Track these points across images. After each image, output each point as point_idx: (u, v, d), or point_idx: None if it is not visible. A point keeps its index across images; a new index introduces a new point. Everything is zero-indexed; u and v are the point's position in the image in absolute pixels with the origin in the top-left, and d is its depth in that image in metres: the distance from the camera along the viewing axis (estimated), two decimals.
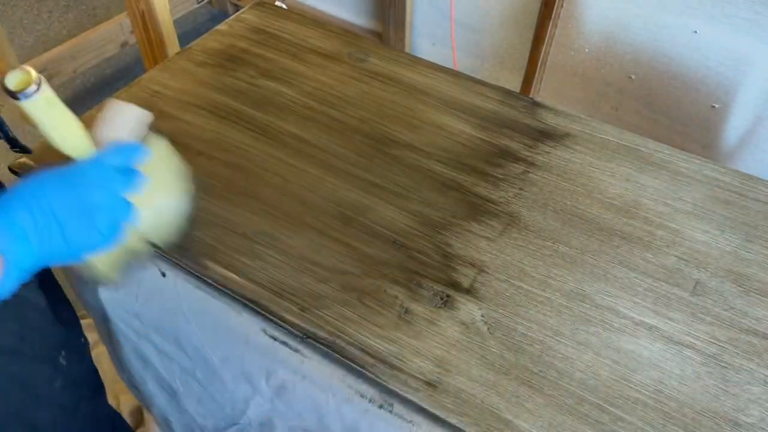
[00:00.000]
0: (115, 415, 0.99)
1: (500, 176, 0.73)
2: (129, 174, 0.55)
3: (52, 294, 0.81)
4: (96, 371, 0.89)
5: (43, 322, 0.77)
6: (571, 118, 0.81)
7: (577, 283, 0.63)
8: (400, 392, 0.55)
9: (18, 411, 0.69)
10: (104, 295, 0.69)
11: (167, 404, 0.84)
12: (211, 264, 0.64)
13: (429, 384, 0.55)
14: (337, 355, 0.57)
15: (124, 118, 0.60)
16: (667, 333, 0.59)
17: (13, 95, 0.51)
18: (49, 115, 0.54)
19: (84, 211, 0.52)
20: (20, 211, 0.49)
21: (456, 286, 0.62)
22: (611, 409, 0.54)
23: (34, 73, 0.51)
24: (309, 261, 0.64)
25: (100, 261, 0.58)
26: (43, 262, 0.51)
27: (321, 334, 0.58)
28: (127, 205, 0.55)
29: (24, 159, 0.73)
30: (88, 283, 0.70)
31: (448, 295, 0.61)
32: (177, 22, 1.50)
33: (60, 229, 0.50)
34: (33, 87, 0.51)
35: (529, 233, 0.67)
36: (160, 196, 0.62)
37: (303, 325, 0.59)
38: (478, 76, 0.88)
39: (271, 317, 0.60)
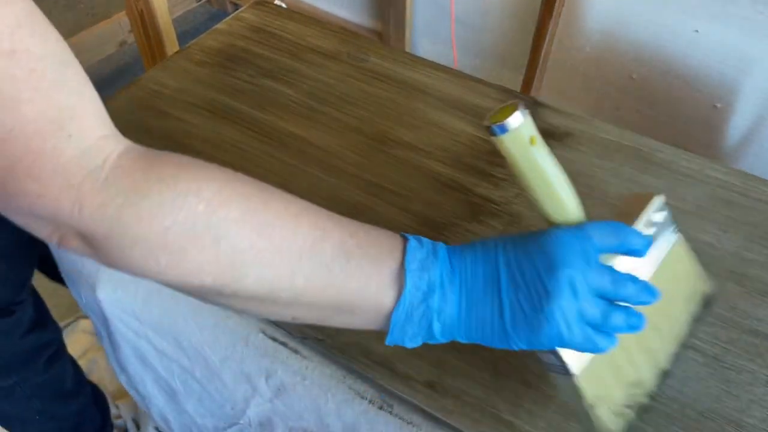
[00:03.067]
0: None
1: (501, 176, 0.73)
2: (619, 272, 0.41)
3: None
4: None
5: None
6: (572, 118, 0.81)
7: None
8: (400, 393, 0.54)
9: None
10: (103, 295, 0.69)
11: (166, 404, 0.84)
12: None
13: (429, 385, 0.55)
14: (337, 356, 0.57)
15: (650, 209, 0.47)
16: None
17: (491, 130, 0.42)
18: (531, 158, 0.43)
19: (536, 284, 0.40)
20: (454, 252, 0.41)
21: None
22: None
23: (518, 106, 0.42)
24: None
25: (594, 388, 0.44)
26: (470, 331, 0.41)
27: (320, 334, 0.58)
28: (607, 290, 0.41)
29: None
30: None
31: None
32: (176, 21, 1.50)
33: (495, 290, 0.40)
34: (517, 117, 0.41)
35: None
36: (664, 306, 0.44)
37: (303, 325, 0.59)
38: (479, 75, 0.87)
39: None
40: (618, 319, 0.41)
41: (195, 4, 2.18)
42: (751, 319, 0.60)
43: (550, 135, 0.78)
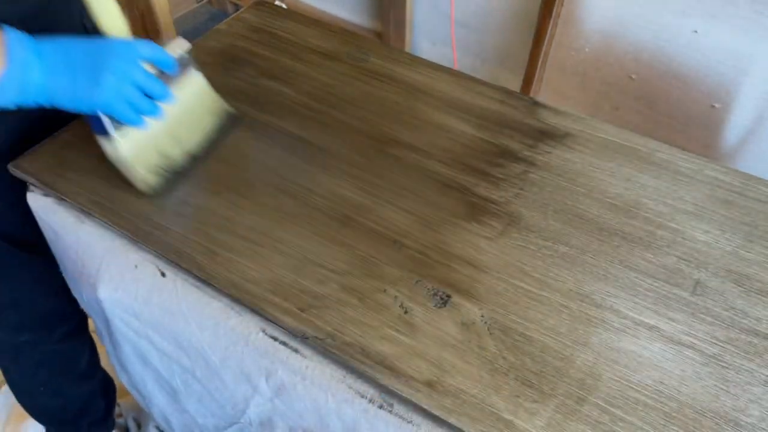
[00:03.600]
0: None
1: (500, 176, 0.73)
2: (156, 64, 0.63)
3: None
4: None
5: None
6: (572, 118, 0.81)
7: (577, 283, 0.63)
8: (400, 392, 0.54)
9: None
10: (103, 295, 0.69)
11: (167, 404, 0.84)
12: (211, 264, 0.63)
13: (429, 384, 0.55)
14: (337, 355, 0.57)
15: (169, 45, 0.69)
16: (667, 333, 0.59)
17: None
18: None
19: (96, 64, 0.59)
20: (37, 40, 0.57)
21: (456, 286, 0.62)
22: (611, 409, 0.54)
23: None
24: (309, 261, 0.64)
25: (131, 151, 0.66)
26: (50, 94, 0.58)
27: (321, 334, 0.58)
28: (142, 83, 0.61)
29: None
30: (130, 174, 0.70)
31: (448, 295, 0.61)
32: (176, 22, 1.50)
33: (69, 68, 0.58)
34: None
35: (529, 233, 0.67)
36: (186, 113, 0.71)
37: (303, 325, 0.59)
38: (478, 76, 0.87)
39: (271, 317, 0.60)
40: (144, 103, 0.63)
41: (195, 5, 2.19)
42: (750, 318, 0.60)
43: (550, 135, 0.79)
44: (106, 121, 0.63)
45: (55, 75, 0.58)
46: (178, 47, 0.69)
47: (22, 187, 0.74)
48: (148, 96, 0.63)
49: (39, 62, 0.57)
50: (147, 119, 0.65)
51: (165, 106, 0.66)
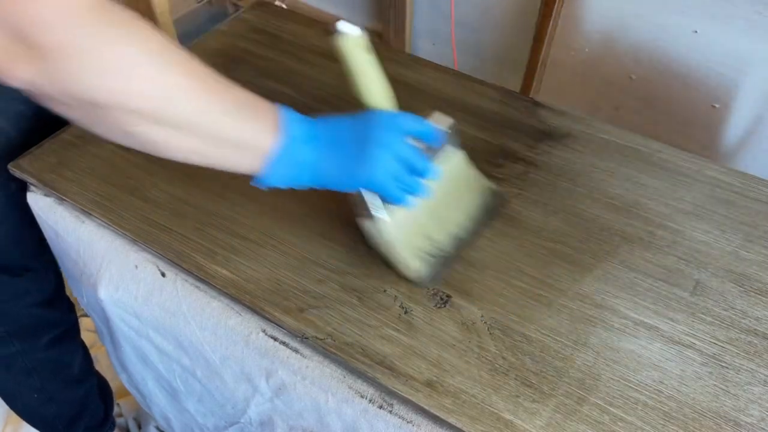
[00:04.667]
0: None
1: (501, 176, 0.73)
2: (421, 139, 0.59)
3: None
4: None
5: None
6: (572, 118, 0.81)
7: (577, 283, 0.63)
8: (400, 392, 0.54)
9: None
10: (104, 295, 0.69)
11: (168, 404, 0.84)
12: (210, 264, 0.64)
13: (428, 384, 0.55)
14: (337, 355, 0.57)
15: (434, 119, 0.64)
16: (667, 333, 0.59)
17: (336, 30, 0.60)
18: (360, 59, 0.60)
19: (362, 139, 0.55)
20: (309, 118, 0.56)
21: (456, 286, 0.62)
22: (611, 409, 0.54)
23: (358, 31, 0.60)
24: (309, 261, 0.64)
25: (396, 234, 0.60)
26: (318, 173, 0.56)
27: (321, 334, 0.58)
28: (409, 158, 0.57)
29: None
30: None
31: (447, 295, 0.61)
32: (177, 22, 1.50)
33: (337, 145, 0.55)
34: (354, 27, 0.60)
35: (529, 233, 0.67)
36: (449, 191, 0.65)
37: (303, 325, 0.59)
38: (479, 76, 0.87)
39: (271, 317, 0.60)
40: (411, 180, 0.58)
41: (196, 5, 2.19)
42: (750, 318, 0.60)
43: (550, 135, 0.79)
44: (370, 201, 0.58)
45: (325, 153, 0.55)
46: (442, 121, 0.63)
47: (5, 210, 0.74)
48: (414, 173, 0.58)
49: (311, 141, 0.55)
50: (412, 198, 0.59)
51: (430, 184, 0.60)
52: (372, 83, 0.61)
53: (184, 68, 0.50)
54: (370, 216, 0.59)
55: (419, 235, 0.63)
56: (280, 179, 0.55)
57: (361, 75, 0.60)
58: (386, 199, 0.58)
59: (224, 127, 0.51)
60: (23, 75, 0.42)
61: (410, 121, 0.58)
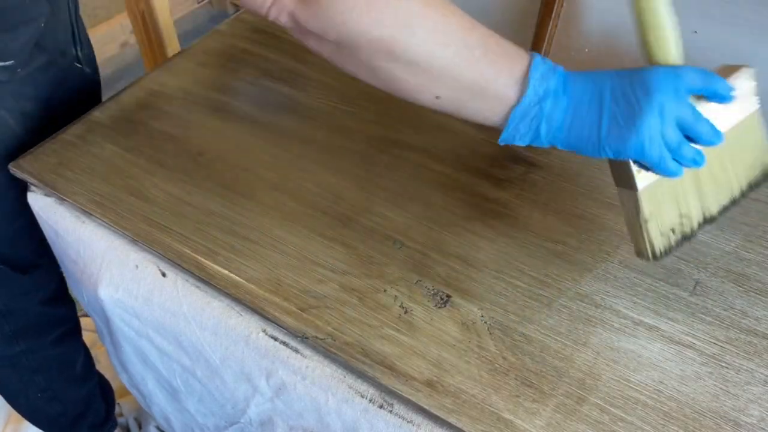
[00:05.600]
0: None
1: (501, 176, 0.73)
2: (709, 98, 0.50)
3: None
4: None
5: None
6: None
7: (577, 282, 0.63)
8: (400, 392, 0.55)
9: None
10: (104, 295, 0.69)
11: (168, 403, 0.84)
12: (211, 264, 0.64)
13: (429, 384, 0.55)
14: (337, 355, 0.57)
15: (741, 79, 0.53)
16: (667, 333, 0.59)
17: None
18: (652, 4, 0.51)
19: (633, 100, 0.48)
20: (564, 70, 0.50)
21: (456, 285, 0.62)
22: (611, 408, 0.54)
23: None
24: (309, 261, 0.64)
25: (652, 208, 0.53)
26: (567, 133, 0.50)
27: (321, 334, 0.58)
28: (688, 124, 0.49)
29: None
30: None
31: (448, 295, 0.61)
32: (177, 23, 1.50)
33: (597, 103, 0.49)
34: None
35: (529, 233, 0.67)
36: (723, 161, 0.54)
37: (303, 325, 0.59)
38: None
39: (271, 317, 0.60)
40: (688, 150, 0.49)
41: (196, 6, 2.19)
42: (749, 318, 0.60)
43: None
44: (634, 171, 0.52)
45: (581, 113, 0.49)
46: (743, 76, 0.53)
47: (16, 206, 0.74)
48: (692, 140, 0.50)
49: (563, 96, 0.49)
50: (684, 170, 0.51)
51: (707, 151, 0.51)
52: (660, 32, 0.51)
53: (429, 4, 0.48)
54: (632, 187, 0.53)
55: (674, 212, 0.55)
56: (522, 137, 0.51)
57: (649, 22, 0.51)
58: (655, 170, 0.51)
59: (465, 68, 0.48)
60: (291, 9, 0.47)
61: (696, 78, 0.49)
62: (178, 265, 0.64)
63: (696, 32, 1.27)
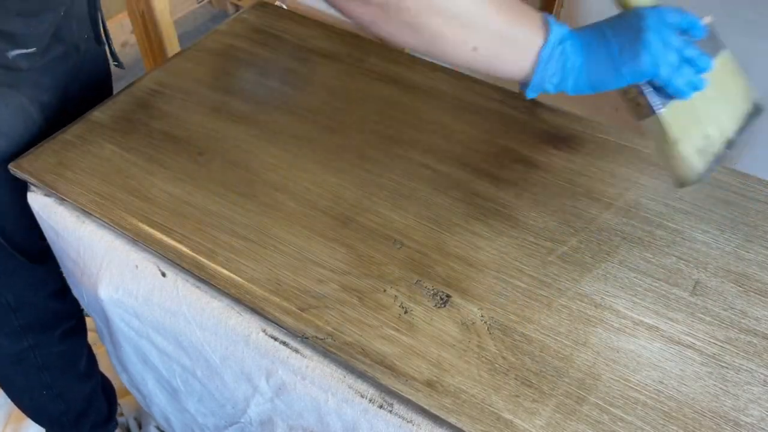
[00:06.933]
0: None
1: (500, 176, 0.73)
2: (688, 31, 0.57)
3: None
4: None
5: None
6: (572, 118, 0.81)
7: (577, 282, 0.63)
8: (400, 392, 0.55)
9: None
10: (104, 295, 0.69)
11: (168, 403, 0.85)
12: (211, 264, 0.64)
13: (428, 384, 0.55)
14: (336, 355, 0.57)
15: None
16: (666, 333, 0.59)
17: None
18: None
19: (632, 34, 0.55)
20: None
21: (456, 285, 0.62)
22: (611, 408, 0.54)
23: None
24: (309, 261, 0.64)
25: (678, 130, 0.58)
26: (588, 70, 0.56)
27: (321, 334, 0.58)
28: (683, 50, 0.55)
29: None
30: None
31: (447, 295, 0.62)
32: (177, 23, 1.51)
33: (604, 42, 0.55)
34: None
35: (528, 233, 0.67)
36: (717, 89, 0.59)
37: (303, 325, 0.59)
38: (478, 76, 0.88)
39: (271, 317, 0.60)
40: (688, 70, 0.55)
41: (196, 5, 2.19)
42: (749, 318, 0.61)
43: (550, 135, 0.79)
44: (651, 94, 0.57)
45: (594, 51, 0.56)
46: (705, 16, 0.60)
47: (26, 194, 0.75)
48: (689, 64, 0.56)
49: (578, 40, 0.56)
50: (690, 92, 0.57)
51: (705, 77, 0.57)
52: None
53: None
54: (652, 113, 0.57)
55: (697, 131, 0.60)
56: (549, 80, 0.56)
57: None
58: (667, 92, 0.56)
59: (499, 17, 0.54)
60: None
61: (677, 15, 0.56)
62: (178, 265, 0.64)
63: None
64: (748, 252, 0.66)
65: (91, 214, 0.69)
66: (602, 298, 0.62)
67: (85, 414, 1.05)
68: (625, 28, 0.55)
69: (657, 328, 0.59)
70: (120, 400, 1.21)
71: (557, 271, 0.64)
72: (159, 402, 0.85)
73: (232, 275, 0.63)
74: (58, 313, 0.91)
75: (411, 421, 0.55)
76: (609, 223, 0.69)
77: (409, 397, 0.54)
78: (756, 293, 0.63)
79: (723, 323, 0.60)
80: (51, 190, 0.71)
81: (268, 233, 0.67)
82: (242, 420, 0.72)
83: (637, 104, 0.58)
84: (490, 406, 0.54)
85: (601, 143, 0.78)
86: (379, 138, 0.78)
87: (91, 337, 1.18)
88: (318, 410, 0.60)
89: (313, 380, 0.59)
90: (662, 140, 0.59)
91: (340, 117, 0.80)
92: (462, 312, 0.60)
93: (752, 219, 0.70)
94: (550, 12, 1.36)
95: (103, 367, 1.15)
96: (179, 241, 0.65)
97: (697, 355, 0.57)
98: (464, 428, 0.52)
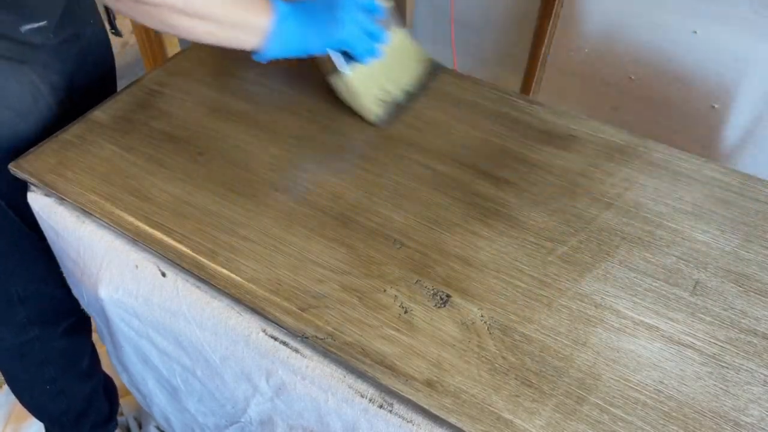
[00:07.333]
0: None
1: (500, 176, 0.73)
2: (371, 12, 0.74)
3: None
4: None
5: None
6: (572, 118, 0.81)
7: (577, 282, 0.63)
8: (400, 392, 0.55)
9: None
10: (104, 295, 0.69)
11: (168, 403, 0.85)
12: (211, 264, 0.64)
13: (428, 384, 0.55)
14: (336, 355, 0.57)
15: None
16: (667, 333, 0.59)
17: None
18: None
19: (331, 12, 0.70)
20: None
21: (456, 285, 0.62)
22: (611, 408, 0.54)
23: None
24: (309, 261, 0.64)
25: (360, 85, 0.77)
26: (303, 39, 0.70)
27: (321, 334, 0.58)
28: (366, 25, 0.72)
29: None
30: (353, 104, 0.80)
31: (447, 295, 0.62)
32: None
33: (313, 17, 0.70)
34: None
35: (528, 233, 0.67)
36: (396, 56, 0.81)
37: (303, 325, 0.59)
38: (478, 76, 0.88)
39: (271, 317, 0.60)
40: (370, 42, 0.74)
41: None
42: (749, 318, 0.61)
43: (550, 135, 0.79)
44: (339, 59, 0.74)
45: (306, 25, 0.70)
46: (384, 1, 0.78)
47: None
48: (371, 36, 0.73)
49: (296, 16, 0.69)
50: (370, 58, 0.75)
51: (382, 47, 0.76)
52: None
53: None
54: (336, 72, 0.75)
55: (376, 87, 0.79)
56: (277, 50, 0.70)
57: None
58: (352, 57, 0.74)
59: (232, 14, 0.66)
60: None
61: None
62: (178, 265, 0.64)
63: (696, 32, 1.27)
64: (748, 252, 0.66)
65: (91, 214, 0.69)
66: (602, 298, 0.62)
67: (85, 414, 1.05)
68: (327, 7, 0.71)
69: (657, 328, 0.59)
70: (120, 400, 1.21)
71: (557, 271, 0.64)
72: (159, 402, 0.85)
73: (232, 275, 0.63)
74: (62, 307, 0.91)
75: (411, 421, 0.55)
76: (609, 223, 0.69)
77: (409, 397, 0.54)
78: (756, 293, 0.63)
79: (723, 323, 0.60)
80: (51, 190, 0.71)
81: (268, 233, 0.67)
82: (242, 420, 0.72)
83: (331, 66, 0.75)
84: (490, 406, 0.54)
85: (601, 143, 0.78)
86: (378, 138, 0.78)
87: (93, 337, 1.18)
88: (318, 410, 0.60)
89: (313, 380, 0.59)
90: (347, 93, 0.78)
91: (339, 118, 0.80)
92: (462, 312, 0.60)
93: (752, 219, 0.70)
94: (551, 12, 1.36)
95: (104, 366, 1.15)
96: (179, 241, 0.65)
97: (697, 355, 0.58)
98: (464, 428, 0.52)
